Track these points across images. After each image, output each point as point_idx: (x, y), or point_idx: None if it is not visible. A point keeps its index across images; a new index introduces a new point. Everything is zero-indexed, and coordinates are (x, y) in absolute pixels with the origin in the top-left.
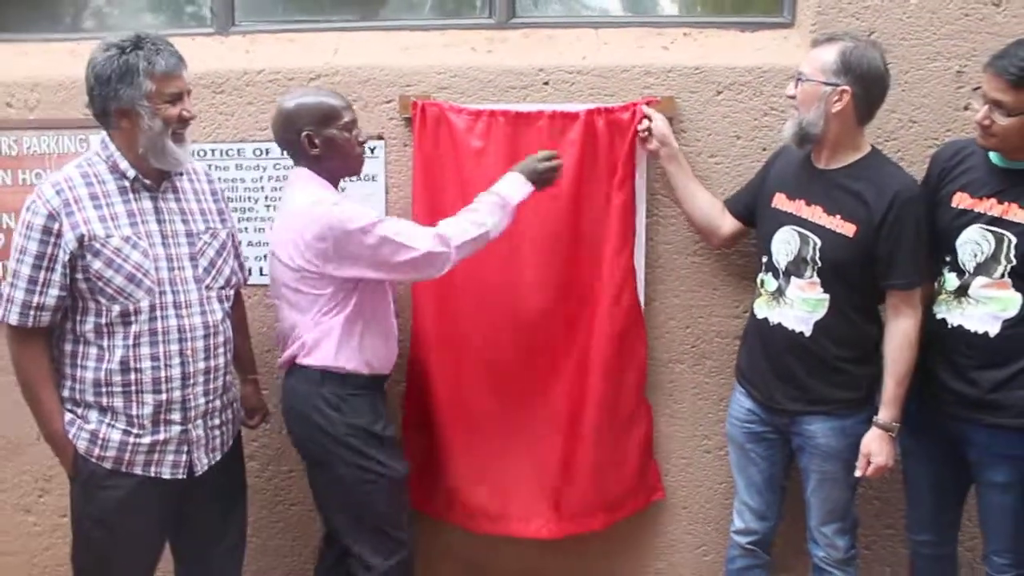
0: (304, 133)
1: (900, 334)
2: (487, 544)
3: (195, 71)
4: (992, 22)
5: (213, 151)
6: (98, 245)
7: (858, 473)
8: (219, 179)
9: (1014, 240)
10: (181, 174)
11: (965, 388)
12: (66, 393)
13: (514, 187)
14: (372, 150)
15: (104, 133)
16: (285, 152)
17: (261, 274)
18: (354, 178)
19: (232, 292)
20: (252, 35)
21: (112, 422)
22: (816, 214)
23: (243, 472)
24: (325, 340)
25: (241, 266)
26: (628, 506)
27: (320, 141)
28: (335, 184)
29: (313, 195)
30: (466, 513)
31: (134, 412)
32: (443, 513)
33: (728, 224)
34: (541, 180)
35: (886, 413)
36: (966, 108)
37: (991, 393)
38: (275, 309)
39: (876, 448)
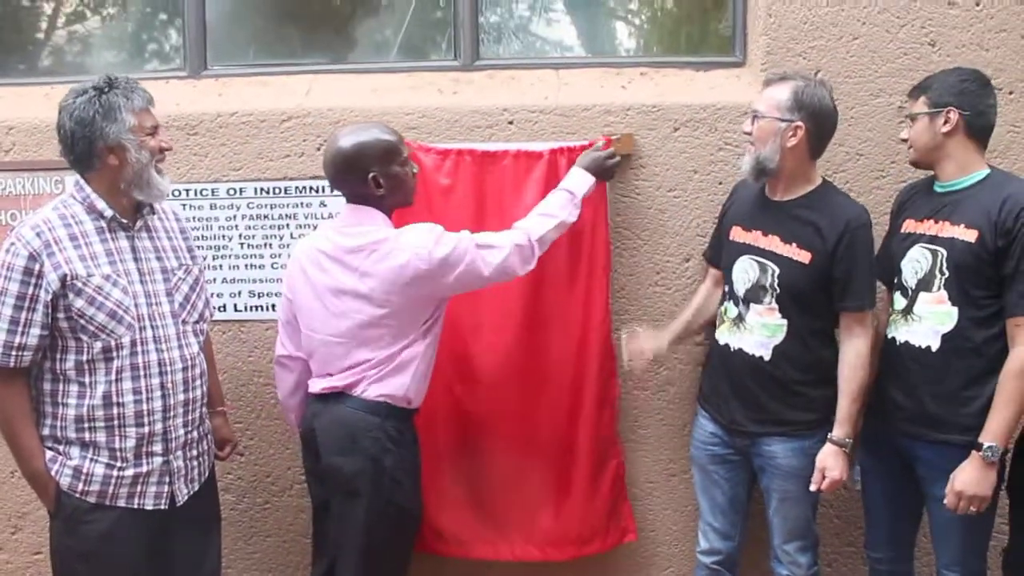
0: (371, 174)
1: (853, 353)
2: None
3: (169, 113)
4: (929, 60)
5: (187, 191)
6: (80, 284)
7: (813, 487)
8: (193, 218)
9: (946, 253)
10: (153, 213)
11: (912, 404)
12: (46, 431)
13: (579, 181)
14: None
15: (78, 176)
16: (337, 191)
17: (235, 310)
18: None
19: (205, 326)
20: (224, 78)
21: (95, 456)
22: (773, 243)
23: (218, 501)
24: (401, 373)
25: (207, 301)
26: (596, 543)
27: (385, 180)
28: (391, 216)
29: (405, 235)
30: (433, 534)
31: (117, 446)
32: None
33: (719, 278)
34: (604, 172)
35: (840, 430)
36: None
37: (935, 409)
38: (327, 348)
39: (831, 463)
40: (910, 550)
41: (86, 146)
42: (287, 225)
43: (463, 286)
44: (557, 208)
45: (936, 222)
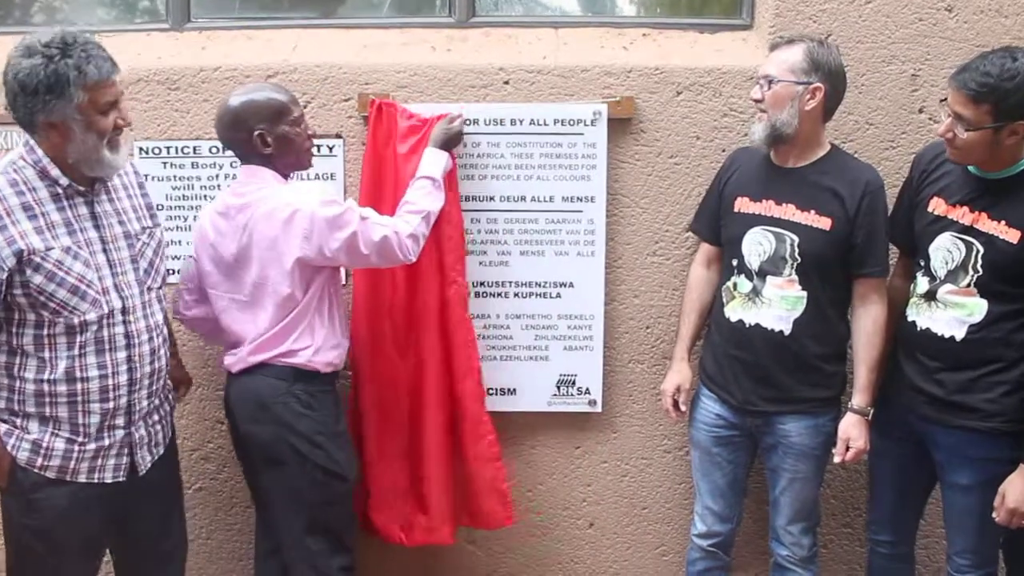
0: (256, 132)
1: (870, 321)
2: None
3: (150, 67)
4: (945, 27)
5: (168, 148)
6: (38, 259)
7: (837, 458)
8: (175, 177)
9: (982, 250)
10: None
11: (932, 388)
12: (1, 404)
13: (435, 162)
14: (331, 148)
15: (27, 136)
16: (230, 151)
17: None
18: (309, 174)
19: (166, 290)
20: (208, 31)
21: (56, 431)
22: (789, 212)
23: (178, 468)
24: (301, 337)
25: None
26: (471, 519)
27: (272, 139)
28: (285, 178)
29: (289, 192)
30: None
31: (80, 421)
32: None
33: (712, 256)
34: (454, 140)
35: (860, 398)
36: (920, 111)
37: (956, 395)
38: (229, 311)
39: (855, 433)
40: (913, 533)
41: (26, 115)
42: None
43: (344, 256)
44: (422, 198)
45: (971, 211)
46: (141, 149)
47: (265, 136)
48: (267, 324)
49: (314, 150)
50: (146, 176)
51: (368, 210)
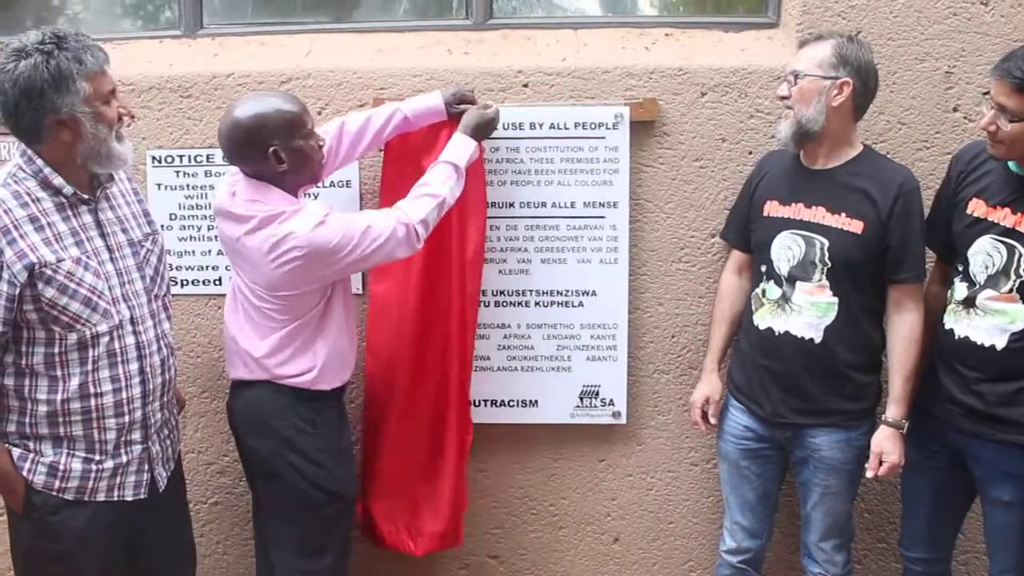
0: (271, 148)
1: (906, 329)
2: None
3: (162, 74)
4: (981, 21)
5: (181, 157)
6: (49, 272)
7: (870, 473)
8: (187, 186)
9: None
10: (112, 181)
11: (971, 400)
12: (11, 428)
13: (462, 149)
14: None
15: (24, 146)
16: (235, 164)
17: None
18: (324, 184)
19: (171, 298)
20: (221, 38)
21: (72, 451)
22: (819, 215)
23: (184, 482)
24: (302, 356)
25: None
26: (433, 537)
27: (287, 155)
28: (295, 195)
29: (293, 223)
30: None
31: (96, 438)
32: None
33: (744, 263)
34: (487, 127)
35: (895, 410)
36: (955, 110)
37: (997, 408)
38: (228, 317)
39: (889, 447)
40: (949, 551)
41: (34, 119)
42: None
43: (348, 271)
44: (440, 184)
45: (1014, 212)
46: (154, 158)
47: (280, 152)
48: (266, 341)
49: None
50: (158, 185)
51: (365, 215)
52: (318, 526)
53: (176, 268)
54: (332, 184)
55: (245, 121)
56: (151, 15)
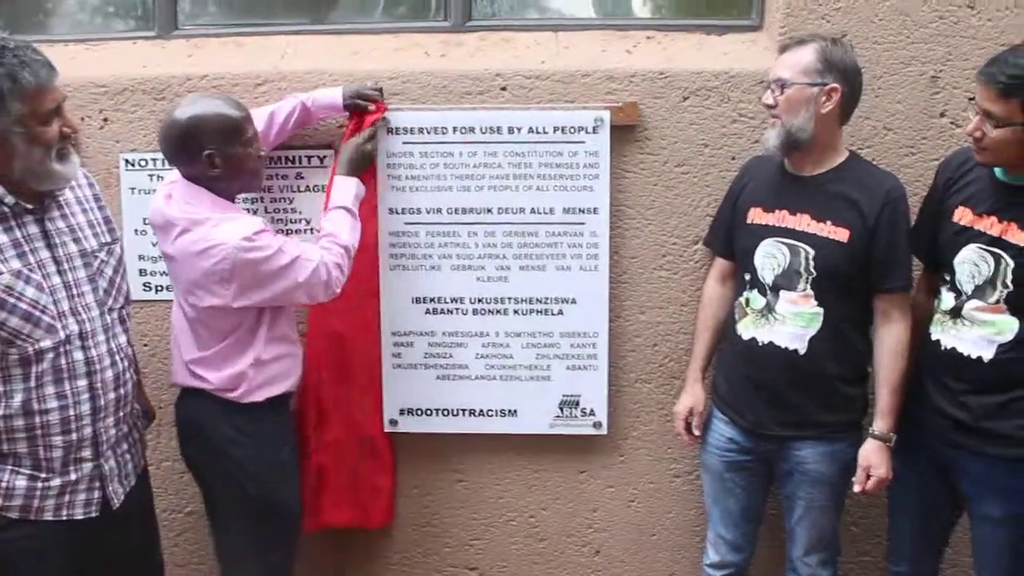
0: (206, 152)
1: (893, 340)
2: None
3: (135, 76)
4: (967, 25)
5: (154, 160)
6: None
7: (857, 488)
8: None
9: (1011, 264)
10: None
11: (958, 413)
12: None
13: (347, 191)
14: (322, 160)
15: None
16: (172, 165)
17: None
18: (299, 186)
19: (130, 309)
20: (196, 39)
21: (16, 467)
22: (803, 222)
23: (151, 491)
24: (231, 366)
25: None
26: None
27: (221, 160)
28: (232, 200)
29: (221, 231)
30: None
31: (42, 456)
32: None
33: (727, 271)
34: (364, 161)
35: (882, 423)
36: (942, 115)
37: (984, 420)
38: (173, 323)
39: (876, 460)
40: (935, 564)
41: None
42: (261, 199)
43: (273, 297)
44: (344, 232)
45: (1000, 221)
46: (127, 161)
47: (214, 158)
48: (199, 349)
49: (304, 161)
50: (132, 189)
51: (300, 244)
52: (254, 537)
53: (150, 273)
54: (308, 189)
55: (182, 121)
56: (124, 15)
